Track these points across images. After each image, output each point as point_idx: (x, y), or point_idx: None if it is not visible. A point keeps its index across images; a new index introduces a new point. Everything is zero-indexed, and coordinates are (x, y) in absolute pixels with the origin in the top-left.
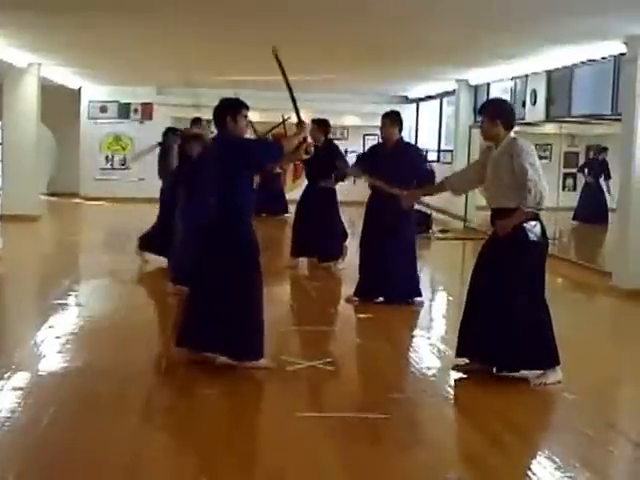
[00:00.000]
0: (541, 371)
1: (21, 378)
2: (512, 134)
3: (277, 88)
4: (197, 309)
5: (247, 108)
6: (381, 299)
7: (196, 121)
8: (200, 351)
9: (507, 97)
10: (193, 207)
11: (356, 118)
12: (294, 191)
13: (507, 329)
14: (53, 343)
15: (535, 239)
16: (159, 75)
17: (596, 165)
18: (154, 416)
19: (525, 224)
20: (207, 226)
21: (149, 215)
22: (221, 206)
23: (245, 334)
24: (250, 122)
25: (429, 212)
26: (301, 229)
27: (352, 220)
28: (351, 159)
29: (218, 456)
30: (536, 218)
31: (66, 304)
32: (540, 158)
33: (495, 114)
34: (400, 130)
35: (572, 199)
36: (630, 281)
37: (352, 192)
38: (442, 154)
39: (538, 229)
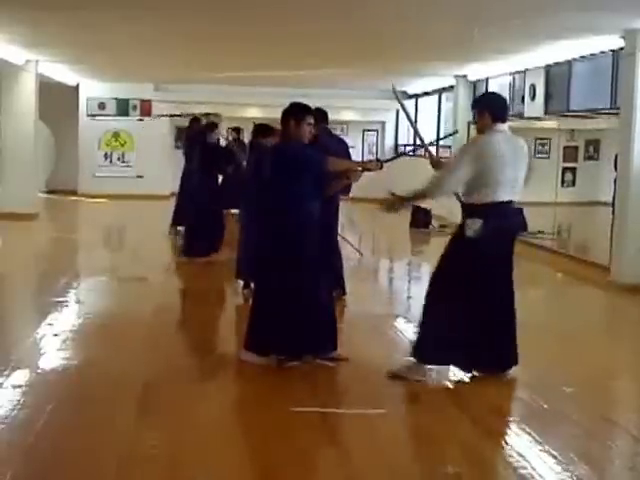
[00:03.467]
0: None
1: (20, 375)
2: (499, 128)
3: (276, 84)
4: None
5: (312, 114)
6: None
7: (195, 120)
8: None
9: (506, 92)
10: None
11: (355, 113)
12: None
13: (422, 324)
14: (52, 340)
15: (472, 235)
16: (157, 72)
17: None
18: (151, 413)
19: (467, 220)
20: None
21: (147, 212)
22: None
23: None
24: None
25: (429, 208)
26: None
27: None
28: (352, 154)
29: (214, 452)
30: (486, 214)
31: (65, 301)
32: (539, 153)
33: (482, 106)
34: None
35: (571, 194)
36: (628, 276)
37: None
38: (441, 149)
39: (478, 226)
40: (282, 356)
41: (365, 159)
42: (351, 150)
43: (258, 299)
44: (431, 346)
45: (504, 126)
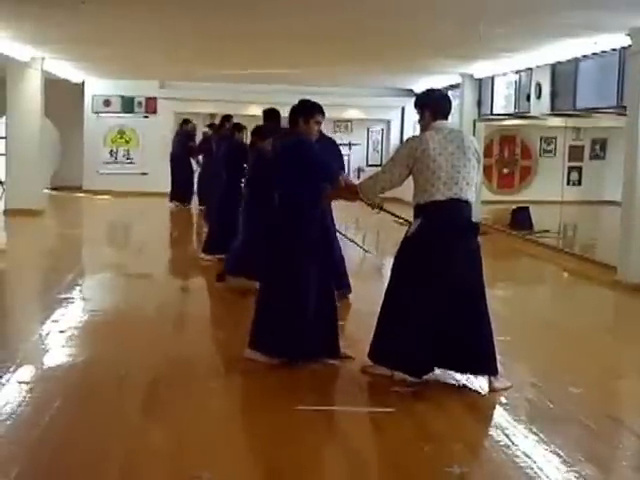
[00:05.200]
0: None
1: (26, 372)
2: (438, 126)
3: (281, 82)
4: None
5: (322, 113)
6: None
7: (228, 118)
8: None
9: (512, 90)
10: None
11: (360, 111)
12: None
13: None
14: (57, 337)
15: (409, 235)
16: (162, 69)
17: None
18: (156, 411)
19: (413, 220)
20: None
21: (152, 209)
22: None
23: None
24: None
25: None
26: None
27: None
28: (357, 152)
29: (219, 451)
30: (424, 214)
31: (70, 298)
32: (544, 152)
33: (421, 105)
34: None
35: (577, 193)
36: (635, 275)
37: None
38: None
39: (414, 227)
40: (284, 359)
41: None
42: (357, 148)
43: (261, 299)
44: (383, 348)
45: (444, 123)
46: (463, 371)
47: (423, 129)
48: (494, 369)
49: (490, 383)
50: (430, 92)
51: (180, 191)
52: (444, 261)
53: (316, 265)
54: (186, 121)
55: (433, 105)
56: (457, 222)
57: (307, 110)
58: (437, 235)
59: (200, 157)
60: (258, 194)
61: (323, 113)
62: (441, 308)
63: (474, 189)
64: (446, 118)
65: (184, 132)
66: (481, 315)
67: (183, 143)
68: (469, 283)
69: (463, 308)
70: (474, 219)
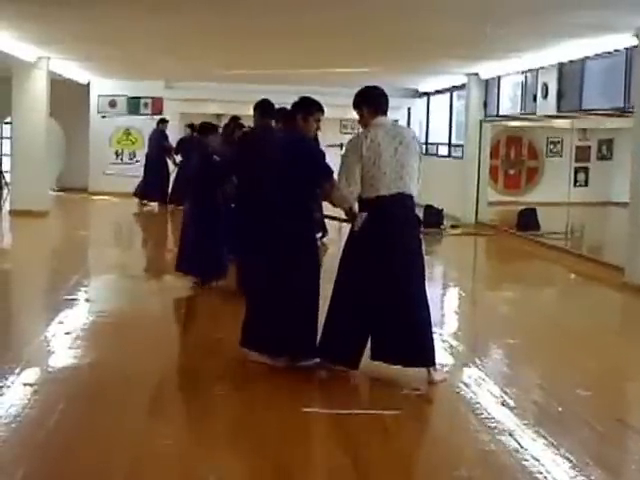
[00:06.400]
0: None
1: (31, 374)
2: (377, 122)
3: (287, 82)
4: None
5: (322, 111)
6: None
7: (235, 119)
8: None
9: (518, 91)
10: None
11: None
12: None
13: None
14: (62, 339)
15: (356, 229)
16: (168, 69)
17: None
18: (162, 413)
19: (358, 214)
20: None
21: (158, 210)
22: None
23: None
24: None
25: (440, 208)
26: None
27: None
28: None
29: (225, 452)
30: (369, 208)
31: (75, 299)
32: (551, 153)
33: (357, 103)
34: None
35: (584, 194)
36: None
37: None
38: (453, 148)
39: (362, 220)
40: (266, 354)
41: None
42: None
43: (249, 298)
44: (321, 343)
45: (384, 119)
46: (401, 363)
47: (364, 127)
48: (432, 360)
49: (429, 375)
50: (366, 90)
51: (152, 190)
52: (385, 250)
53: (310, 262)
54: (163, 120)
55: (372, 102)
56: (402, 215)
57: (306, 107)
58: (382, 228)
59: (177, 157)
60: (207, 192)
61: (322, 111)
62: (378, 297)
63: (417, 183)
64: (385, 114)
65: (160, 131)
66: (419, 304)
67: (158, 143)
68: (408, 271)
69: (401, 296)
70: (480, 219)
